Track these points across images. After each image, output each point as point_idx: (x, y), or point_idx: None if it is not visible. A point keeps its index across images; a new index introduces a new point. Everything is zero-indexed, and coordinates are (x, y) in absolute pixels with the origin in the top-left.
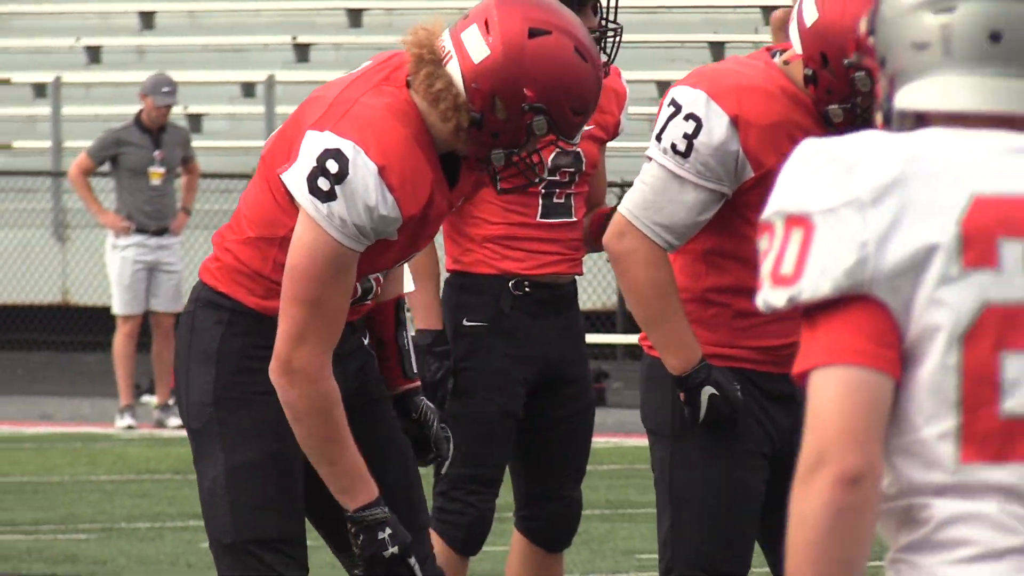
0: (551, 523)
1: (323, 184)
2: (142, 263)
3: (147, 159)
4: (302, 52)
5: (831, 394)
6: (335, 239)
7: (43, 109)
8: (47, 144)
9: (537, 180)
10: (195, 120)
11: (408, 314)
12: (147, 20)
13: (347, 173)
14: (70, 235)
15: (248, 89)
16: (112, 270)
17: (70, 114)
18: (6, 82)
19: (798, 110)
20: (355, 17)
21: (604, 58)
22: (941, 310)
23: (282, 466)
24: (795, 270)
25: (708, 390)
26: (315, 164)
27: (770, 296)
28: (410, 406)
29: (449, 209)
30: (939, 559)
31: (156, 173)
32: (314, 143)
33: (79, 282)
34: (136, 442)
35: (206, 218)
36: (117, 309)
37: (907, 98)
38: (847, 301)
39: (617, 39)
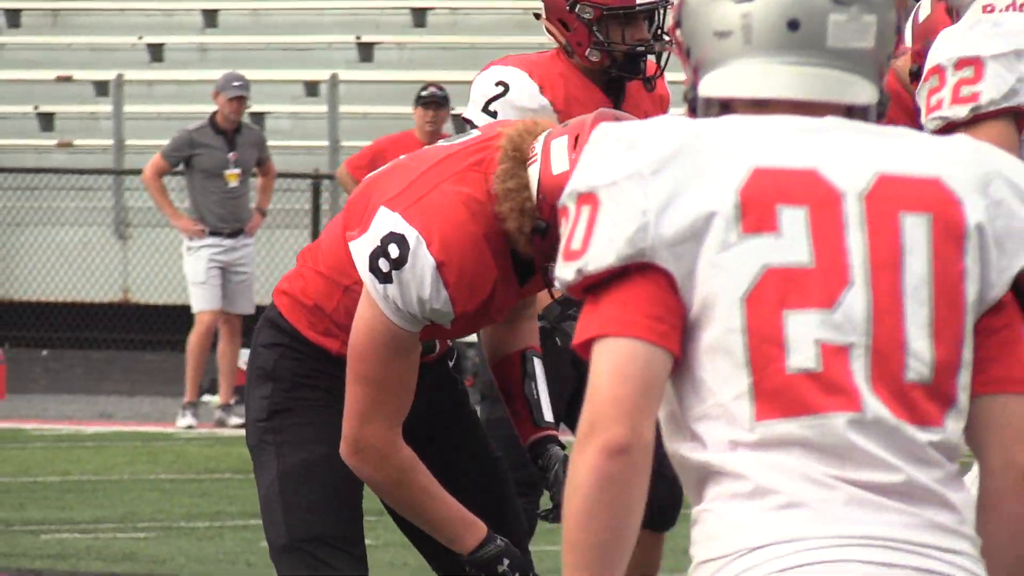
0: (656, 502)
1: (383, 265)
2: (216, 263)
3: (222, 161)
4: (366, 51)
5: (604, 366)
6: (390, 319)
7: (105, 107)
8: (109, 142)
9: None
10: (258, 119)
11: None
12: (210, 18)
13: (406, 261)
14: (131, 233)
15: (311, 88)
16: (188, 269)
17: (132, 112)
18: (68, 79)
19: (896, 110)
20: (419, 16)
21: (655, 68)
22: (722, 274)
23: (335, 468)
24: (583, 244)
25: None
26: (379, 244)
27: (562, 272)
28: (539, 453)
29: (517, 300)
30: (746, 508)
31: (232, 175)
32: (383, 222)
33: (139, 280)
34: (196, 441)
35: (268, 217)
36: (194, 306)
37: (710, 86)
38: (630, 273)
39: (670, 51)
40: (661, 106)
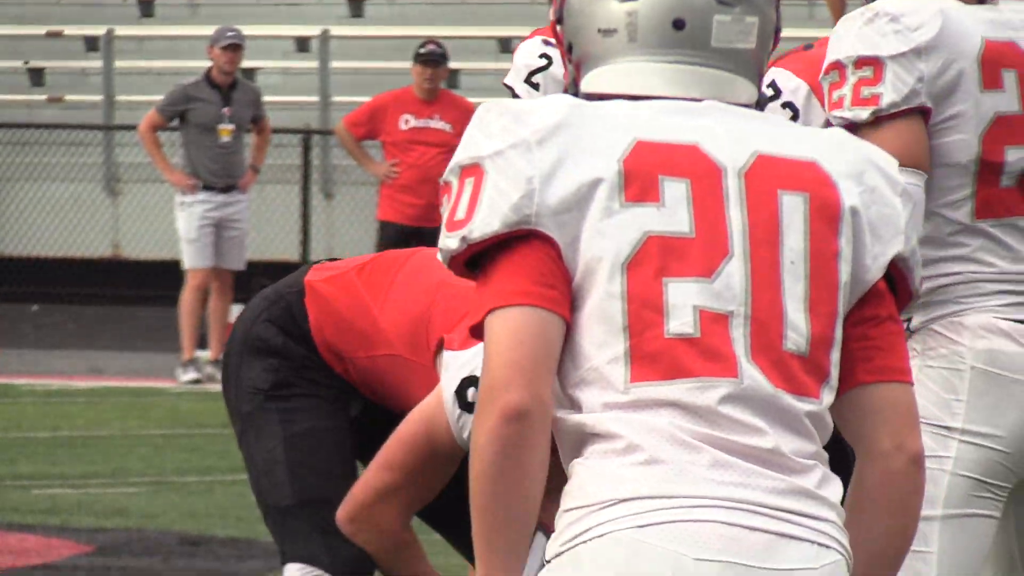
0: None
1: (470, 396)
2: (208, 219)
3: (216, 116)
4: (356, 7)
5: (499, 334)
6: (453, 437)
7: (95, 63)
8: (99, 98)
9: None
10: (249, 75)
11: None
12: None
13: None
14: (121, 189)
15: (302, 44)
16: (180, 225)
17: (122, 68)
18: (58, 35)
19: None
20: None
21: None
22: (604, 241)
23: (339, 439)
24: (467, 212)
25: None
26: (475, 375)
27: (446, 242)
28: None
29: None
30: (615, 463)
31: (225, 130)
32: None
33: (130, 236)
34: (187, 396)
35: (259, 173)
36: (186, 263)
37: (592, 82)
38: (515, 245)
39: None
40: None
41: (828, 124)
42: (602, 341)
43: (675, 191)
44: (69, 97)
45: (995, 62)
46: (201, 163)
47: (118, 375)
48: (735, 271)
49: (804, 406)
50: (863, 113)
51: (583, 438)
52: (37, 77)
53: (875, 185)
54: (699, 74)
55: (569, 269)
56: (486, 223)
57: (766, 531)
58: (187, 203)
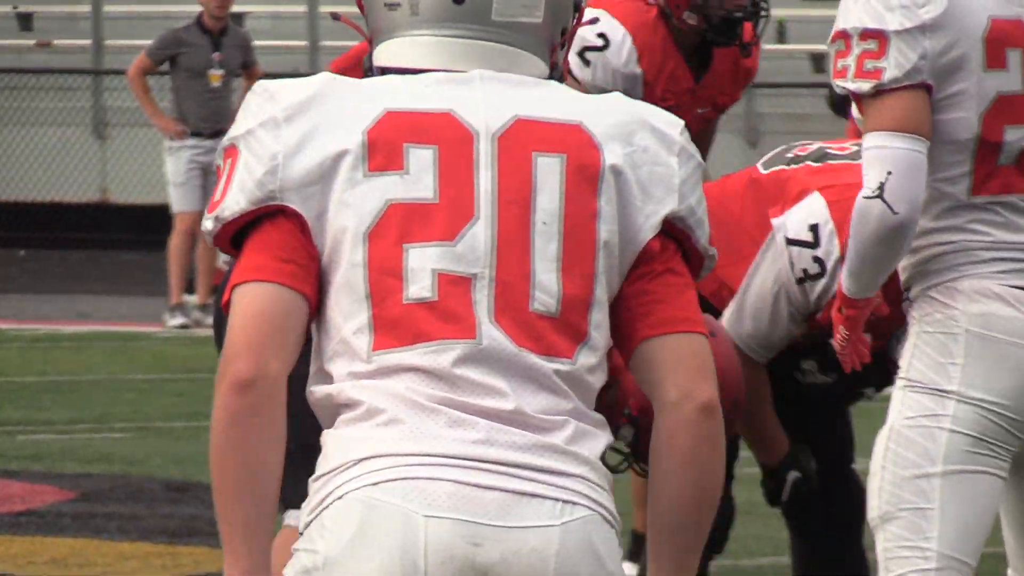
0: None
1: None
2: (196, 163)
3: (206, 61)
4: None
5: (234, 310)
6: None
7: (83, 7)
8: (87, 42)
9: None
10: (237, 19)
11: None
12: None
13: None
14: (110, 133)
15: None
16: (168, 169)
17: (110, 12)
18: None
19: None
20: None
21: (751, 34)
22: (348, 211)
23: None
24: (222, 193)
25: (793, 475)
26: None
27: (205, 224)
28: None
29: None
30: (356, 428)
31: (215, 76)
32: None
33: (118, 180)
34: (173, 341)
35: None
36: (174, 207)
37: (379, 56)
38: (265, 220)
39: (767, 19)
40: (744, 80)
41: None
42: (348, 312)
43: (421, 158)
44: (58, 41)
45: (1000, 41)
46: (190, 108)
47: (105, 320)
48: (480, 233)
49: (552, 365)
50: (865, 86)
51: (333, 409)
52: (26, 21)
53: (647, 145)
54: (477, 48)
55: (318, 243)
56: (235, 201)
57: (503, 489)
58: (175, 147)
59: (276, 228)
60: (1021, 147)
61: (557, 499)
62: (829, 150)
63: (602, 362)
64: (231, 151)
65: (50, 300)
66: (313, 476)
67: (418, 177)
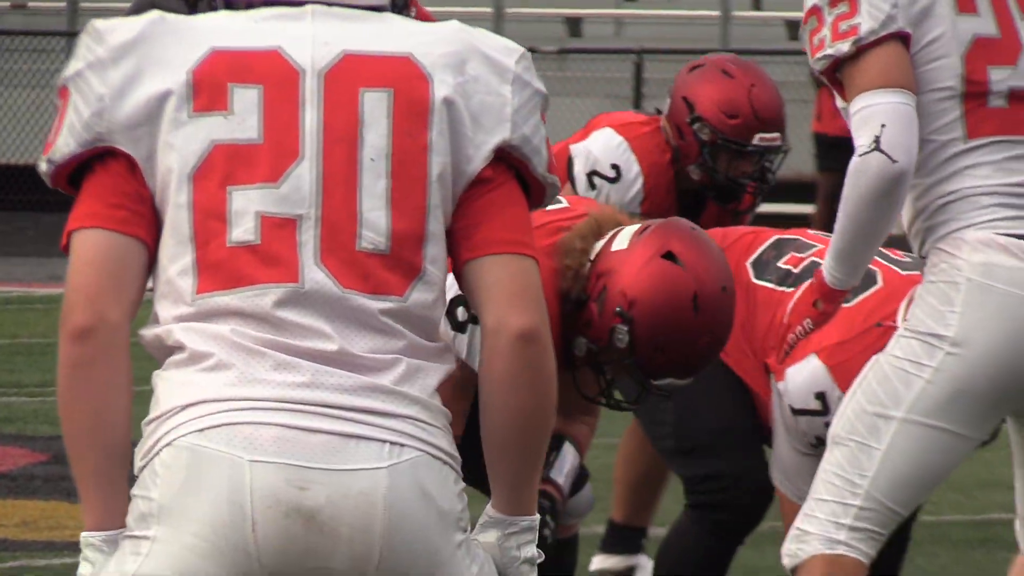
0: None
1: (460, 315)
2: None
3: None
4: None
5: (72, 259)
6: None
7: None
8: (62, 4)
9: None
10: None
11: None
12: None
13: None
14: None
15: None
16: None
17: None
18: None
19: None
20: None
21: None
22: (173, 153)
23: None
24: (54, 135)
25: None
26: (455, 297)
27: (40, 166)
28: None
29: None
30: (184, 372)
31: None
32: None
33: None
34: (146, 304)
35: None
36: None
37: None
38: (96, 163)
39: (767, 190)
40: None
41: None
42: (174, 253)
43: (246, 98)
44: (33, 3)
45: None
46: None
47: None
48: (304, 174)
49: (380, 304)
50: (844, 46)
51: (163, 351)
52: None
53: (478, 74)
54: None
55: (150, 185)
56: (66, 144)
57: (329, 432)
58: None
59: (107, 171)
60: (1008, 87)
61: (385, 441)
62: (818, 260)
63: (440, 295)
64: (64, 92)
65: (22, 263)
66: (145, 420)
67: (243, 118)
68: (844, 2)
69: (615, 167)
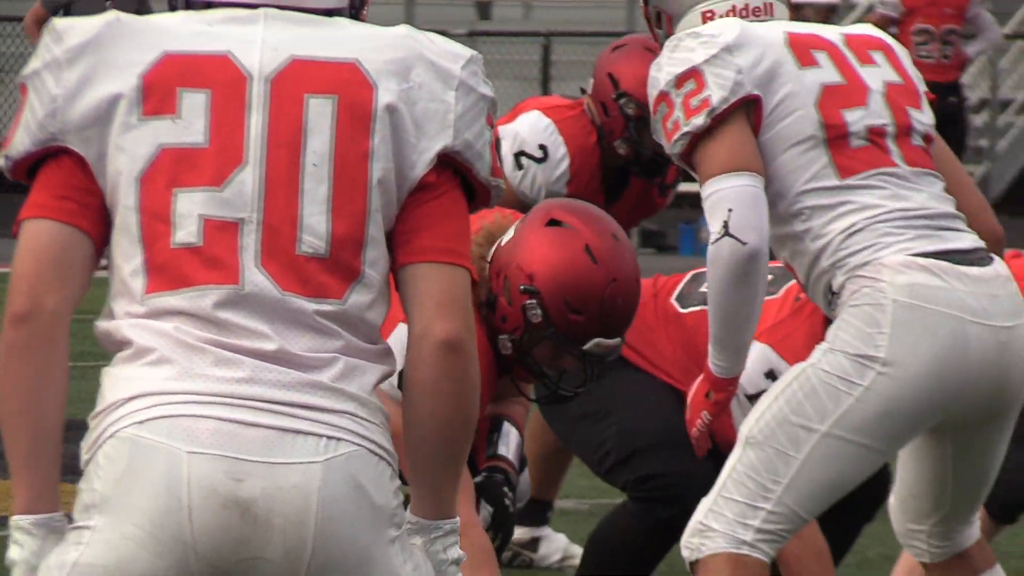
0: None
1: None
2: None
3: (99, 11)
4: None
5: (19, 245)
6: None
7: None
8: None
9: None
10: None
11: None
12: None
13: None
14: (3, 79)
15: None
16: None
17: None
18: None
19: None
20: None
21: (675, 177)
22: (122, 155)
23: None
24: (12, 132)
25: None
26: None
27: (3, 164)
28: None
29: (493, 391)
30: (128, 367)
31: None
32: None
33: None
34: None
35: None
36: None
37: None
38: (50, 159)
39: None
40: (643, 216)
41: None
42: (126, 253)
43: (193, 102)
44: None
45: (803, 45)
46: None
47: None
48: (247, 178)
49: (318, 306)
50: (699, 119)
51: (112, 345)
52: None
53: (423, 81)
54: None
55: (101, 184)
56: (21, 142)
57: (267, 426)
58: None
59: (59, 167)
60: (865, 126)
61: (321, 435)
62: None
63: (379, 297)
64: (23, 90)
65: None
66: (91, 415)
67: (190, 122)
68: (689, 80)
69: (542, 147)
